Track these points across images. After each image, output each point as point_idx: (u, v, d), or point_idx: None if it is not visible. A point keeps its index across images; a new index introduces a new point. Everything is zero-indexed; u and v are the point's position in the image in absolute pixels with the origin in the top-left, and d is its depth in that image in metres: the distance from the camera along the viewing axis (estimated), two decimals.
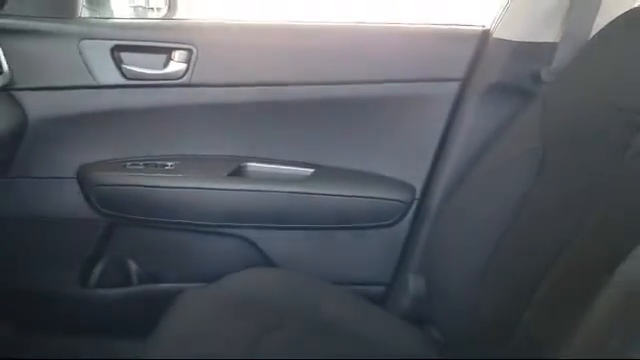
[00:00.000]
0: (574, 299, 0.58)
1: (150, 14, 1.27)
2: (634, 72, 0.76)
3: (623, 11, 0.83)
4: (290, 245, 1.19)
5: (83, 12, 1.14)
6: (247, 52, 1.13)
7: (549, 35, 1.02)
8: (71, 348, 1.22)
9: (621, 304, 0.48)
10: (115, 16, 1.31)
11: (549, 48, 1.01)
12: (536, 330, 0.68)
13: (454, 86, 1.11)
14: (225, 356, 0.80)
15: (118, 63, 1.10)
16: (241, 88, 1.14)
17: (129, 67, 1.11)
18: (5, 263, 1.16)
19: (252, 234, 1.20)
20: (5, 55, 1.05)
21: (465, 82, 1.11)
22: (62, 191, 1.15)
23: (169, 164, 1.15)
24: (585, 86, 0.84)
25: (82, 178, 1.15)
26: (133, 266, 1.24)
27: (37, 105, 1.10)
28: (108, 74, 1.10)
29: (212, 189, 1.14)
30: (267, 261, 1.19)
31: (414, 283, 1.14)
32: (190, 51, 1.10)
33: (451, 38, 1.15)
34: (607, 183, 0.69)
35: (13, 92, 1.07)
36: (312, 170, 1.17)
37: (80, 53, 1.08)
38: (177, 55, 1.11)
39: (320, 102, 1.14)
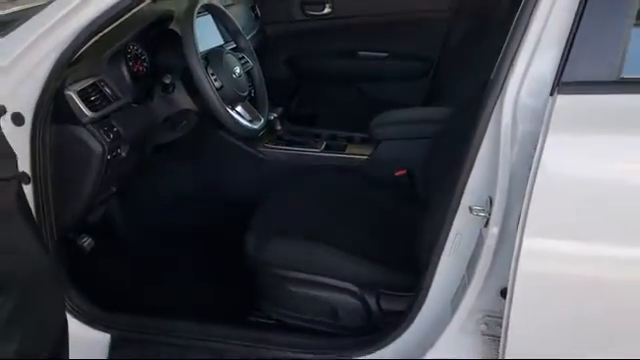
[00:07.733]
0: None
1: None
2: None
3: None
4: None
5: None
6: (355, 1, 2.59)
7: None
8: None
9: None
10: None
11: None
12: None
13: (449, 13, 2.49)
14: None
15: (303, 10, 2.60)
16: (354, 18, 2.60)
17: (316, 13, 2.61)
18: None
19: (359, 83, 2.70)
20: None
21: (455, 10, 2.48)
22: (278, 67, 2.69)
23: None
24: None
25: (288, 62, 2.70)
26: (310, 104, 2.77)
27: (270, 30, 2.63)
28: (296, 14, 2.61)
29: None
30: None
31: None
32: (333, 2, 2.57)
33: None
34: None
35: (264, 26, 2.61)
36: (386, 54, 2.62)
37: (289, 7, 2.60)
38: (327, 5, 2.59)
39: (388, 22, 2.58)
